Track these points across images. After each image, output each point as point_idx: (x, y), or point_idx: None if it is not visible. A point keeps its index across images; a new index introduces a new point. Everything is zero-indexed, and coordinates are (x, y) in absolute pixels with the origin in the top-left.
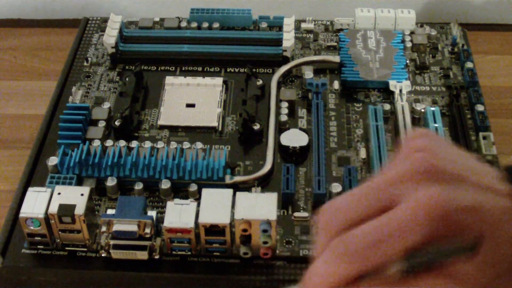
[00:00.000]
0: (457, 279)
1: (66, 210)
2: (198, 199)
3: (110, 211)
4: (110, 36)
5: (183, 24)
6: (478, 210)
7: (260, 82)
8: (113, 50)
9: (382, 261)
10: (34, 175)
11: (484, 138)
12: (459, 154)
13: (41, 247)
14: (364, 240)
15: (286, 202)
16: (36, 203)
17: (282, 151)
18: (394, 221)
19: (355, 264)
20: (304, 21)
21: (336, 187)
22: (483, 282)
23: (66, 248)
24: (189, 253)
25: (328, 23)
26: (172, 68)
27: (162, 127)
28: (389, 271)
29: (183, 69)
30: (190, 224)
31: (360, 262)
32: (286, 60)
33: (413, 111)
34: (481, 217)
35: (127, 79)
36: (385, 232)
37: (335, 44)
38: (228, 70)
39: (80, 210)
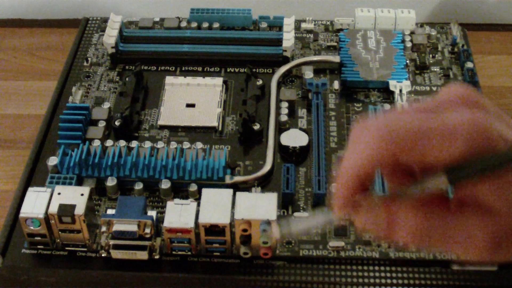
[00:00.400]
0: (490, 212)
1: (66, 210)
2: (198, 199)
3: (110, 211)
4: (110, 36)
5: (183, 24)
6: None
7: (260, 82)
8: (113, 50)
9: (421, 158)
10: (34, 175)
11: None
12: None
13: (41, 247)
14: (408, 130)
15: (286, 202)
16: (36, 203)
17: (282, 151)
18: (438, 124)
19: (394, 146)
20: (304, 21)
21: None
22: None
23: (66, 248)
24: (189, 253)
25: (328, 23)
26: (172, 68)
27: (162, 127)
28: (430, 184)
29: (183, 69)
30: (190, 224)
31: (399, 146)
32: (286, 60)
33: None
34: None
35: (127, 79)
36: (428, 129)
37: (335, 44)
38: (228, 70)
39: (80, 210)
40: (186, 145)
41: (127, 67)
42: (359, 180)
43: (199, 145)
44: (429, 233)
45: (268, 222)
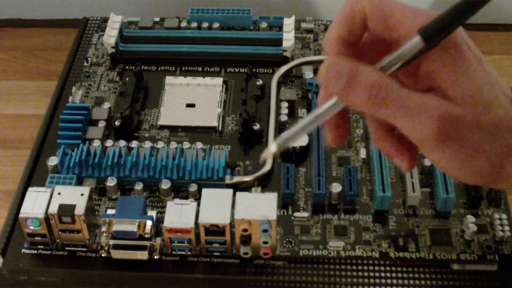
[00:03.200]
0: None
1: (66, 210)
2: (198, 199)
3: (110, 211)
4: (110, 36)
5: (183, 24)
6: None
7: (260, 82)
8: (113, 50)
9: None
10: (34, 175)
11: None
12: None
13: (41, 247)
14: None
15: (286, 202)
16: (36, 203)
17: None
18: None
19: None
20: (304, 21)
21: (336, 187)
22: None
23: (66, 248)
24: (189, 253)
25: (328, 23)
26: (172, 68)
27: (162, 127)
28: (406, 49)
29: (183, 69)
30: (190, 224)
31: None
32: (286, 60)
33: None
34: None
35: (127, 79)
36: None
37: None
38: (228, 70)
39: (80, 210)
40: (186, 145)
41: (127, 67)
42: (344, 29)
43: (199, 145)
44: (385, 96)
45: (268, 222)
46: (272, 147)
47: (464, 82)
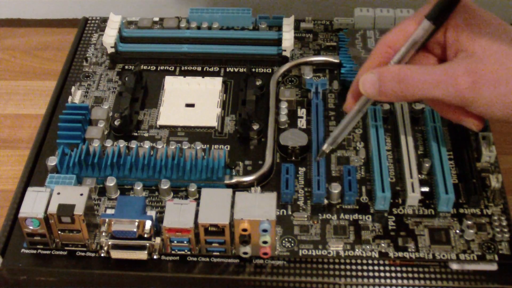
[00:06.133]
0: None
1: (66, 210)
2: (197, 199)
3: (110, 211)
4: (110, 36)
5: (183, 24)
6: None
7: (259, 82)
8: (113, 50)
9: None
10: (33, 175)
11: (484, 138)
12: None
13: (41, 247)
14: None
15: (286, 202)
16: (36, 203)
17: (282, 151)
18: None
19: None
20: (303, 21)
21: (335, 187)
22: None
23: (66, 248)
24: (189, 253)
25: (328, 22)
26: (171, 68)
27: (162, 127)
28: (418, 34)
29: (183, 69)
30: (190, 224)
31: None
32: (285, 60)
33: (412, 110)
34: None
35: (126, 79)
36: None
37: (335, 44)
38: (227, 70)
39: (79, 210)
40: (185, 145)
41: (126, 67)
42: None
43: (199, 145)
44: (410, 79)
45: (268, 222)
46: (325, 147)
47: (482, 36)
